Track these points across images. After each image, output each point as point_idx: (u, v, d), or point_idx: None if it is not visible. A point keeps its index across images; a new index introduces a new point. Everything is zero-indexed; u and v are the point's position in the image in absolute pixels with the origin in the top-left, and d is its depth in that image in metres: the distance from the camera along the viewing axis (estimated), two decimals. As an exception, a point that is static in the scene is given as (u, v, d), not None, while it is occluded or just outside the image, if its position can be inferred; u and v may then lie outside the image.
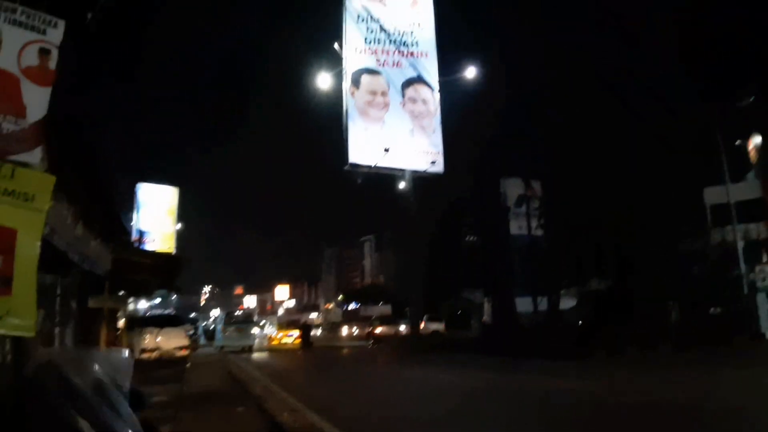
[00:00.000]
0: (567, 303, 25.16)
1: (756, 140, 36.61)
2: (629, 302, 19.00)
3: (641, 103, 25.36)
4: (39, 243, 4.06)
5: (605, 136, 24.59)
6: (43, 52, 4.48)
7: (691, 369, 12.34)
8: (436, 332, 35.04)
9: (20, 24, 4.47)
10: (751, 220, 37.88)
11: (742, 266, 22.23)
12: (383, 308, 46.76)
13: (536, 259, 24.07)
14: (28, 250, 4.03)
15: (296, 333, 33.99)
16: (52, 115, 4.50)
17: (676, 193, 25.05)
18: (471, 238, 35.24)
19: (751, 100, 23.33)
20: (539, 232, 25.21)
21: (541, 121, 26.13)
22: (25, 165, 4.23)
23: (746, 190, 38.17)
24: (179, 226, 48.05)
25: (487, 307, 31.04)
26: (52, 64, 4.50)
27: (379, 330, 33.97)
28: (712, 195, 34.05)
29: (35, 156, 4.32)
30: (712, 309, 20.99)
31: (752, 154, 37.86)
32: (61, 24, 4.61)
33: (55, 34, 4.58)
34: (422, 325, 34.95)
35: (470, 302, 34.03)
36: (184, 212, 49.00)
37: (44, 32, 4.55)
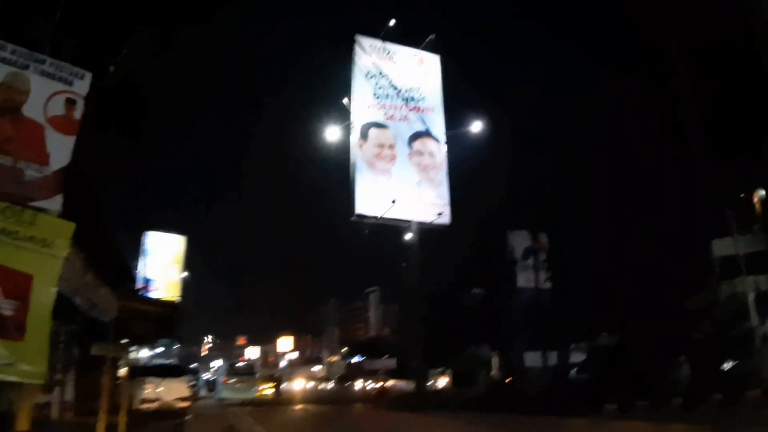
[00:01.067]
0: (577, 358, 24.69)
1: (761, 193, 36.70)
2: (638, 357, 18.65)
3: (647, 155, 25.62)
4: (55, 289, 4.08)
5: (612, 190, 24.73)
6: (70, 102, 4.63)
7: (701, 424, 11.97)
8: (440, 389, 34.31)
9: (49, 75, 4.64)
10: (759, 272, 37.44)
11: (755, 319, 21.82)
12: (387, 362, 45.92)
13: (544, 313, 23.76)
14: (43, 296, 4.05)
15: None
16: (71, 164, 4.61)
17: (683, 245, 24.98)
18: (477, 291, 34.95)
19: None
20: (547, 285, 24.99)
21: (547, 173, 26.36)
22: (44, 211, 4.30)
23: (753, 242, 37.94)
24: (185, 274, 48.06)
25: (494, 362, 30.47)
26: (78, 114, 4.64)
27: (387, 384, 33.44)
28: (721, 247, 33.74)
29: (56, 203, 4.40)
30: (723, 364, 20.53)
31: (757, 207, 37.88)
32: (88, 76, 4.79)
33: (82, 86, 4.74)
34: (428, 381, 34.26)
35: (477, 357, 33.40)
36: (189, 261, 49.12)
37: (71, 83, 4.71)
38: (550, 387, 18.98)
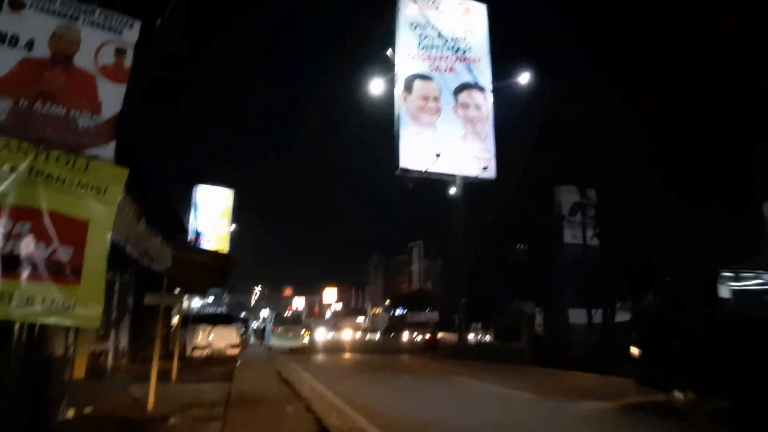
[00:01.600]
0: (623, 317, 24.26)
1: None
2: (684, 318, 18.03)
3: (705, 110, 24.28)
4: (110, 235, 4.16)
5: (667, 145, 23.66)
6: (119, 52, 4.63)
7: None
8: (483, 343, 34.57)
9: (98, 25, 4.63)
10: None
11: None
12: (430, 315, 46.45)
13: (591, 270, 23.28)
14: (98, 242, 4.13)
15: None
16: (124, 113, 4.64)
17: (738, 205, 23.82)
18: (522, 247, 34.57)
19: None
20: (594, 242, 24.40)
21: (598, 126, 25.39)
22: (97, 159, 4.36)
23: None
24: (233, 227, 49.30)
25: (538, 318, 30.33)
26: (127, 63, 4.64)
27: (436, 335, 33.83)
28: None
29: (109, 150, 4.46)
30: None
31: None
32: (137, 25, 4.75)
33: (131, 35, 4.72)
34: (470, 335, 34.54)
35: (521, 312, 33.33)
36: (237, 214, 50.27)
37: (121, 33, 4.70)
38: (595, 345, 18.75)
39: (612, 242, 23.73)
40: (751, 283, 8.34)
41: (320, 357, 25.04)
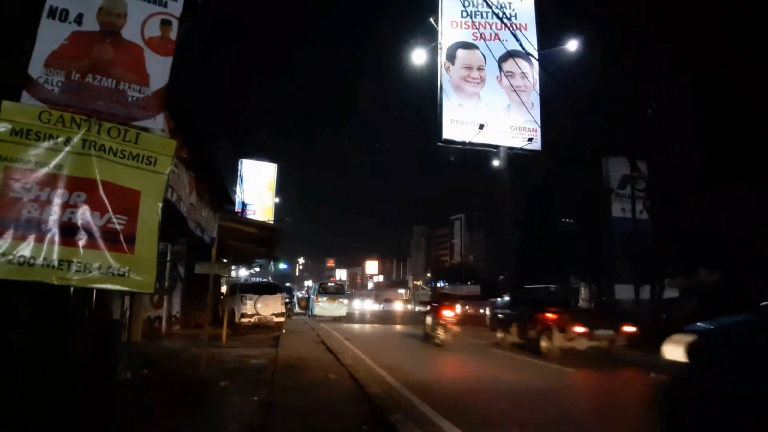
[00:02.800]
0: (670, 294, 23.61)
1: None
2: (742, 297, 17.36)
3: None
4: (161, 204, 4.28)
5: (721, 113, 22.51)
6: (165, 23, 4.67)
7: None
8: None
9: (144, -3, 4.69)
10: None
11: None
12: (472, 288, 46.38)
13: (640, 245, 22.64)
14: (150, 211, 4.26)
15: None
16: (171, 85, 4.70)
17: None
18: (567, 220, 33.93)
19: None
20: (644, 216, 23.67)
21: (649, 96, 24.36)
22: (147, 131, 4.46)
23: None
24: (277, 200, 50.29)
25: (583, 292, 29.86)
26: (173, 34, 4.68)
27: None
28: None
29: (158, 122, 4.54)
30: None
31: None
32: (181, -4, 4.78)
33: (176, 6, 4.76)
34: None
35: (566, 287, 32.91)
36: (281, 187, 51.28)
37: (165, 5, 4.74)
38: (642, 322, 18.31)
39: (662, 217, 22.96)
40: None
41: (362, 327, 25.40)
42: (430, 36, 31.08)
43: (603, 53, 29.23)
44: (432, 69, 30.72)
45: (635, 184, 23.21)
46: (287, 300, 28.61)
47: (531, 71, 30.97)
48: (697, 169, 22.87)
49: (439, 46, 30.37)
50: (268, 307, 19.39)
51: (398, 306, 57.82)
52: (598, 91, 28.39)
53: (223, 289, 20.07)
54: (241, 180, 44.98)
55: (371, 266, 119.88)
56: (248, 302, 19.06)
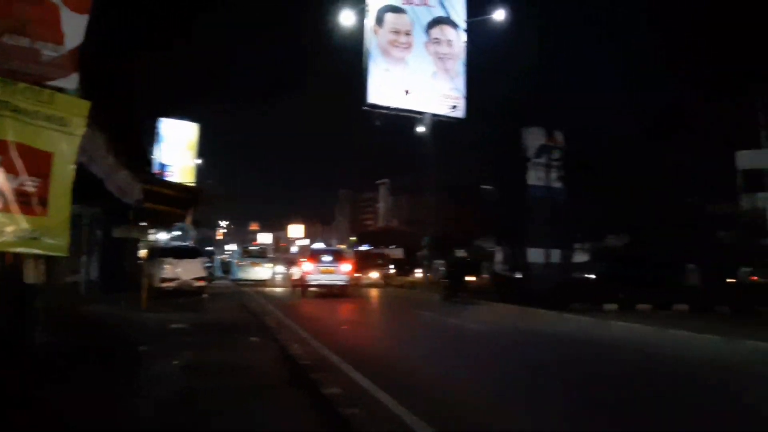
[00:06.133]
0: (580, 258, 25.17)
1: None
2: (645, 261, 18.83)
3: (678, 55, 24.52)
4: (74, 166, 4.20)
5: (636, 89, 23.95)
6: (82, -20, 4.48)
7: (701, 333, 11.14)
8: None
9: (59, -48, 4.46)
10: None
11: None
12: (395, 251, 47.29)
13: (552, 211, 23.93)
14: (63, 173, 4.18)
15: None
16: (87, 44, 4.54)
17: (708, 154, 24.48)
18: (487, 186, 35.08)
19: None
20: (558, 184, 24.94)
21: (568, 69, 25.44)
22: (62, 90, 4.31)
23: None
24: (199, 161, 48.60)
25: (498, 256, 31.18)
26: (92, -10, 4.51)
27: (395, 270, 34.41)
28: (746, 159, 32.97)
29: (72, 81, 4.40)
30: (734, 276, 20.55)
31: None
32: (99, -49, 4.58)
33: (93, -40, 4.56)
34: (434, 271, 35.46)
35: (482, 250, 34.26)
36: (203, 149, 49.52)
37: (82, -40, 4.54)
38: (557, 284, 19.54)
39: (576, 184, 24.29)
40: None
41: (284, 290, 25.45)
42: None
43: (529, 24, 29.99)
44: (361, 31, 30.35)
45: (550, 154, 24.34)
46: (209, 264, 28.14)
47: (457, 39, 31.31)
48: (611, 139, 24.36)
49: (366, 7, 30.00)
50: (189, 272, 19.00)
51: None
52: (523, 61, 29.24)
53: (143, 253, 19.47)
54: (160, 139, 43.10)
55: (295, 230, 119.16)
56: (168, 266, 18.61)
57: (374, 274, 33.24)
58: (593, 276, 21.98)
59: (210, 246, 53.37)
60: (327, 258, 20.87)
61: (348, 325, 13.39)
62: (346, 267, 20.81)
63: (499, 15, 31.41)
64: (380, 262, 34.99)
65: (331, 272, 20.15)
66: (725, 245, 20.58)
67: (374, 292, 26.34)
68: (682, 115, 23.82)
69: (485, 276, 29.95)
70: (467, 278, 24.47)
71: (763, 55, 23.08)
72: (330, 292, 20.18)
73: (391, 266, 36.19)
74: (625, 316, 14.35)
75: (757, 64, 23.28)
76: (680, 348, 9.88)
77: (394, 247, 45.04)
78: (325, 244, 52.98)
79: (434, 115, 30.35)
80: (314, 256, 21.18)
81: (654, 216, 20.94)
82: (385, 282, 32.85)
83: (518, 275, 22.95)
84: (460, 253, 30.15)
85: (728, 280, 19.92)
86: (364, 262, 33.92)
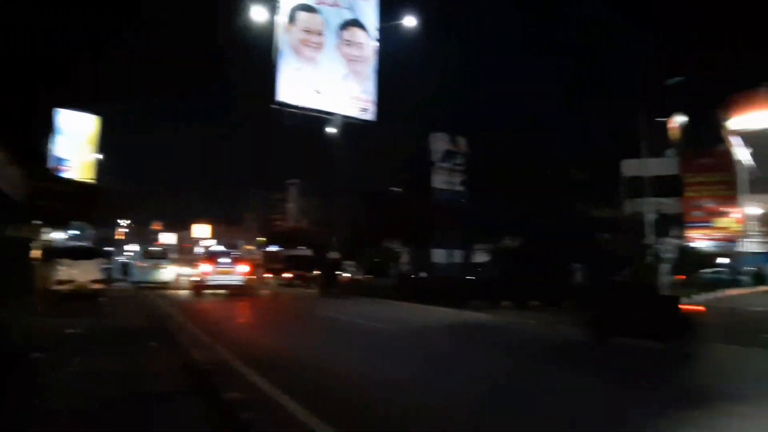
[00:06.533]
0: (480, 258, 26.43)
1: (678, 119, 39.18)
2: (537, 261, 20.20)
3: (570, 69, 26.31)
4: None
5: (533, 102, 25.48)
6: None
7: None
8: (355, 279, 35.98)
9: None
10: (666, 195, 41.09)
11: (651, 238, 24.10)
12: (305, 251, 47.09)
13: (455, 214, 25.05)
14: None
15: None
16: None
17: (598, 161, 26.50)
18: (396, 189, 35.93)
19: (679, 80, 24.78)
20: (460, 188, 26.13)
21: (473, 78, 26.69)
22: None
23: (664, 165, 40.98)
24: (99, 156, 45.77)
25: (405, 256, 32.07)
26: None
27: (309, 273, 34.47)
28: (629, 167, 36.21)
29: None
30: (617, 275, 22.37)
31: (673, 132, 40.56)
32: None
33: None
34: (344, 271, 35.82)
35: (390, 251, 35.02)
36: (106, 143, 46.68)
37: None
38: (457, 282, 20.46)
39: (476, 188, 25.55)
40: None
41: (186, 293, 24.75)
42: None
43: (440, 33, 30.97)
44: (272, 28, 29.86)
45: (454, 159, 25.47)
46: (107, 266, 26.83)
47: (368, 43, 31.69)
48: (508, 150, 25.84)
49: (278, 4, 29.64)
50: (86, 274, 18.09)
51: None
52: (431, 70, 30.21)
53: (36, 254, 18.30)
54: (57, 132, 40.27)
55: (201, 230, 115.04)
56: (63, 268, 17.62)
57: (286, 275, 33.11)
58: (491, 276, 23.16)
59: (110, 246, 50.62)
60: (224, 260, 21.92)
61: (248, 327, 13.48)
62: (243, 268, 21.99)
63: (410, 21, 32.05)
64: (290, 262, 34.91)
65: (228, 273, 21.22)
66: (608, 247, 22.43)
67: (276, 292, 26.45)
68: (572, 127, 25.69)
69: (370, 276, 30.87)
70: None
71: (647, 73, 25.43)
72: (230, 293, 20.88)
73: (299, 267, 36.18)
74: (516, 313, 15.51)
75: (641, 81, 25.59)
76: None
77: (304, 248, 44.86)
78: (231, 245, 51.61)
79: (345, 116, 30.55)
80: (212, 257, 22.40)
81: (545, 220, 22.45)
82: (293, 281, 32.84)
83: (423, 275, 23.80)
84: (333, 255, 31.10)
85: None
86: (271, 263, 33.61)
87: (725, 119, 28.43)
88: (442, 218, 25.62)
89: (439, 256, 23.89)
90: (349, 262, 37.73)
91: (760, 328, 12.91)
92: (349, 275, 36.52)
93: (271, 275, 38.69)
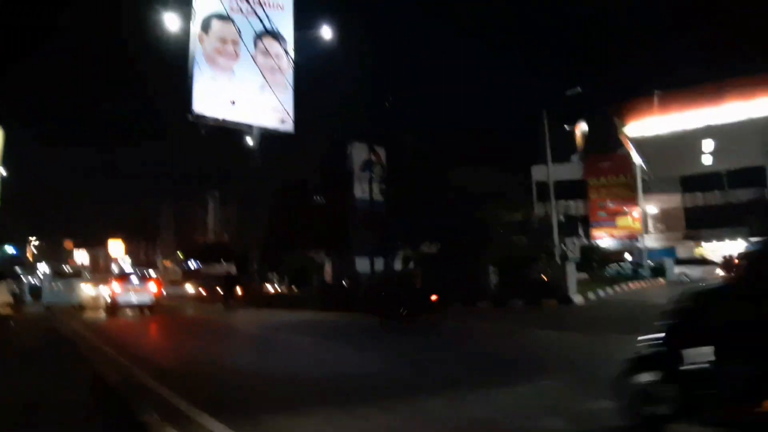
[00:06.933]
0: (399, 265, 27.13)
1: (582, 127, 41.96)
2: (455, 264, 21.12)
3: (481, 79, 27.53)
4: None
5: (446, 112, 26.54)
6: None
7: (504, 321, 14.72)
8: (278, 290, 35.89)
9: None
10: (572, 198, 43.98)
11: (557, 238, 25.79)
12: (227, 267, 46.15)
13: (375, 222, 25.60)
14: None
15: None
16: None
17: (510, 168, 27.90)
18: (317, 198, 36.07)
19: (579, 90, 26.69)
20: (380, 197, 26.71)
21: (390, 89, 27.45)
22: None
23: (571, 170, 43.75)
24: (4, 173, 42.77)
25: (327, 266, 32.24)
26: None
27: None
28: (539, 172, 38.42)
29: None
30: (527, 275, 23.67)
31: (578, 139, 43.37)
32: None
33: None
34: (268, 283, 35.57)
35: (312, 261, 35.10)
36: (9, 158, 43.64)
37: None
38: (376, 291, 20.90)
39: (395, 197, 26.22)
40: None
41: (99, 313, 23.82)
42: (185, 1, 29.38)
43: (356, 43, 31.50)
44: (187, 37, 29.26)
45: (373, 169, 26.02)
46: (16, 288, 25.46)
47: (284, 54, 31.66)
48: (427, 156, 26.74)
49: (192, 12, 29.07)
50: (-8, 296, 17.16)
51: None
52: (348, 80, 30.66)
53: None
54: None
55: (116, 247, 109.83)
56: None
57: (202, 291, 32.44)
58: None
59: (18, 267, 47.52)
60: (134, 279, 23.06)
61: (160, 344, 13.34)
62: (153, 287, 23.03)
63: (326, 33, 32.29)
64: (206, 279, 34.42)
65: (138, 291, 22.28)
66: (519, 248, 23.73)
67: (190, 309, 26.50)
68: (488, 136, 26.98)
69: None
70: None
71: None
72: (141, 311, 21.94)
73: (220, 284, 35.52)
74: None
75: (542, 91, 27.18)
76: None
77: (225, 264, 44.07)
78: (147, 262, 50.02)
79: (263, 128, 30.38)
80: (122, 277, 23.82)
81: (459, 224, 23.43)
82: (214, 299, 32.33)
83: (345, 283, 24.12)
84: (232, 269, 31.55)
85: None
86: (189, 280, 32.84)
87: (622, 125, 30.72)
88: (362, 226, 26.07)
89: (362, 264, 24.25)
90: (271, 274, 37.47)
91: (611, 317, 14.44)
92: (270, 287, 36.26)
93: (189, 292, 37.77)
